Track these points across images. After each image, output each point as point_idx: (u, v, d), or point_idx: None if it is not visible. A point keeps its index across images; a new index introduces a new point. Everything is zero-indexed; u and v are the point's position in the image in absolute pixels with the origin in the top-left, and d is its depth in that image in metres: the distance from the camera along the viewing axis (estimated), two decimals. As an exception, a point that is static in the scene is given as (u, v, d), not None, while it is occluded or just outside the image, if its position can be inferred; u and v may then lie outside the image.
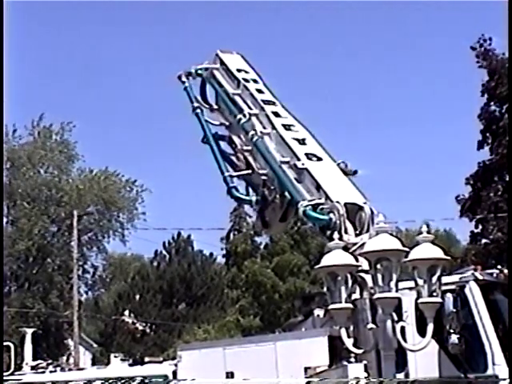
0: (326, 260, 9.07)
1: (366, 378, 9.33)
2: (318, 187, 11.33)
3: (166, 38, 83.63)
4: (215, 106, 14.34)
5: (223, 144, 14.01)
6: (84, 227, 43.81)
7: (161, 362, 15.50)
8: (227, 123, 13.86)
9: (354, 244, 9.93)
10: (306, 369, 11.36)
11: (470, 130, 22.60)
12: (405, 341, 9.08)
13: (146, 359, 16.04)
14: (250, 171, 13.07)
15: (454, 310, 11.81)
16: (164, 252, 56.26)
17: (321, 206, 11.09)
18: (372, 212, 10.58)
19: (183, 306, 53.11)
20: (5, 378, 14.65)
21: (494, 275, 13.39)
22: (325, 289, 9.24)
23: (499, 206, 20.35)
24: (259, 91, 13.70)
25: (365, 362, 9.42)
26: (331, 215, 10.72)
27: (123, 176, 45.62)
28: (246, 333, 36.41)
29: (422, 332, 9.26)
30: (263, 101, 13.35)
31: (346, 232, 10.36)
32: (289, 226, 41.81)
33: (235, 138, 13.60)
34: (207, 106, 14.48)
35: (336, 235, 9.90)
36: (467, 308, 12.22)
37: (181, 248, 55.62)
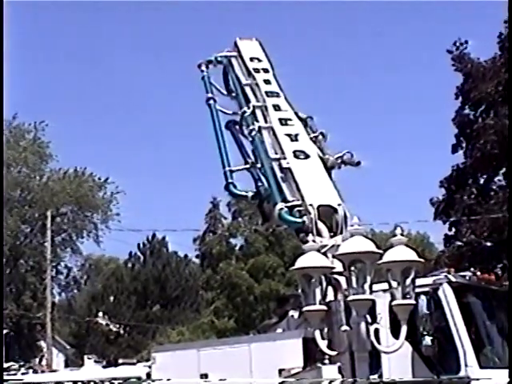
0: (301, 262, 9.08)
1: (339, 379, 9.35)
2: (298, 188, 11.34)
3: (147, 29, 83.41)
4: (234, 94, 14.24)
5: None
6: (57, 228, 43.59)
7: (135, 364, 15.46)
8: (239, 113, 13.78)
9: (329, 246, 9.95)
10: (280, 370, 11.36)
11: (445, 132, 22.73)
12: (379, 343, 9.10)
13: (120, 361, 15.99)
14: (247, 166, 13.01)
15: (428, 312, 11.89)
16: (138, 253, 56.12)
17: (296, 208, 11.10)
18: (346, 214, 10.61)
19: (157, 308, 52.98)
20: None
21: (468, 278, 13.49)
22: (299, 290, 9.24)
23: (473, 208, 20.47)
24: (266, 82, 13.66)
25: (339, 363, 9.43)
26: (305, 218, 10.73)
27: (96, 175, 45.48)
28: (220, 334, 36.41)
29: (395, 334, 9.29)
30: (267, 92, 13.33)
31: (319, 234, 10.37)
32: (263, 228, 42.13)
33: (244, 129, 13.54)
34: (227, 93, 14.38)
35: (310, 237, 9.92)
36: (440, 310, 12.30)
37: (155, 249, 55.49)
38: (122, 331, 53.03)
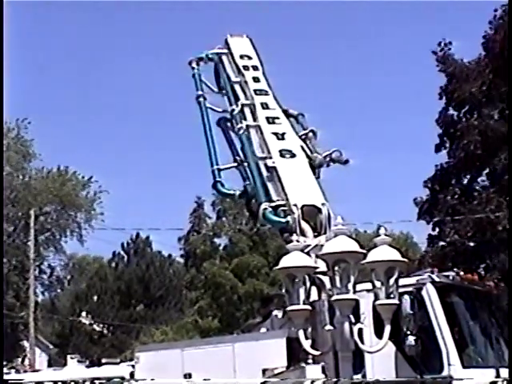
0: (285, 261, 9.08)
1: (322, 379, 9.36)
2: (283, 188, 11.34)
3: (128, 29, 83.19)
4: (224, 92, 14.20)
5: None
6: (41, 227, 43.43)
7: (118, 364, 15.43)
8: (229, 110, 13.74)
9: (312, 246, 9.96)
10: (263, 370, 11.35)
11: (429, 132, 22.77)
12: (362, 342, 9.11)
13: (103, 360, 15.96)
14: (235, 164, 12.98)
15: (411, 312, 11.91)
16: (122, 253, 55.99)
17: (281, 208, 11.10)
18: (330, 214, 10.62)
19: (141, 307, 52.86)
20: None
21: (451, 277, 13.53)
22: (283, 290, 9.24)
23: (456, 208, 20.53)
24: (255, 79, 13.64)
25: (322, 363, 9.45)
26: (289, 218, 10.74)
27: (79, 174, 45.33)
28: (204, 334, 36.36)
29: (379, 334, 9.31)
30: (255, 90, 13.30)
31: (302, 234, 10.37)
32: (248, 228, 42.13)
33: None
34: (219, 90, 14.36)
35: (294, 237, 9.93)
36: (424, 310, 12.33)
37: (139, 249, 55.39)
38: (105, 331, 52.92)
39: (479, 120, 20.94)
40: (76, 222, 45.45)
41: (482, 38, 21.66)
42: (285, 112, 13.31)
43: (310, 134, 12.92)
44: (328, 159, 12.36)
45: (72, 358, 19.90)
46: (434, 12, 73.77)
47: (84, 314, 53.26)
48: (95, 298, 53.36)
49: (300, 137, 12.78)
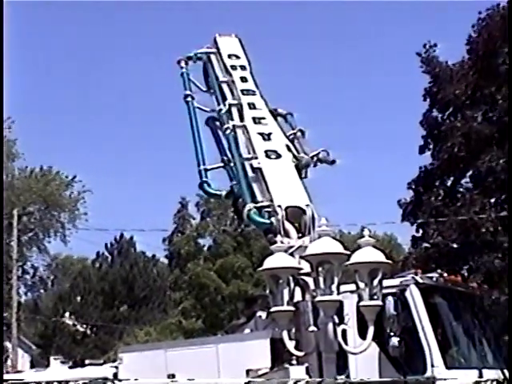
0: (269, 262, 9.08)
1: (306, 379, 9.36)
2: (267, 189, 11.33)
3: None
4: (213, 91, 14.17)
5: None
6: (24, 227, 43.27)
7: (101, 365, 15.35)
8: (217, 110, 13.71)
9: (296, 247, 9.96)
10: (247, 371, 11.35)
11: (414, 134, 22.80)
12: (346, 343, 9.12)
13: (87, 361, 15.86)
14: (222, 164, 12.96)
15: (395, 313, 11.95)
16: (106, 253, 55.83)
17: (265, 209, 11.10)
18: (314, 215, 10.62)
19: (125, 308, 52.73)
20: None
21: (434, 279, 13.58)
22: (267, 291, 9.24)
23: (440, 210, 20.60)
24: (243, 79, 13.63)
25: (306, 364, 9.45)
26: (273, 219, 10.73)
27: (63, 174, 45.18)
28: (188, 335, 36.32)
29: (362, 335, 9.32)
30: (242, 90, 13.29)
31: (286, 235, 10.37)
32: (232, 228, 42.12)
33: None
34: (208, 89, 14.31)
35: (278, 238, 9.93)
36: (407, 311, 12.37)
37: (123, 249, 55.25)
38: (88, 331, 52.72)
39: (463, 122, 21.03)
40: (59, 222, 45.34)
41: (465, 40, 21.78)
42: (273, 111, 13.30)
43: (299, 134, 12.93)
44: (315, 159, 12.38)
45: (55, 359, 19.80)
46: (419, 13, 73.99)
47: (67, 314, 53.06)
48: (78, 298, 53.17)
49: (288, 136, 12.78)
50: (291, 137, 12.86)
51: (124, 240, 55.22)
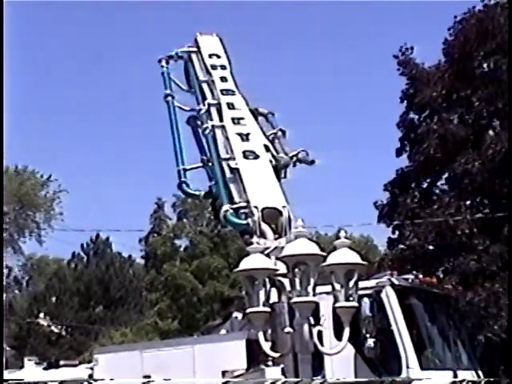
0: (245, 263, 9.07)
1: (281, 380, 9.36)
2: (244, 190, 11.32)
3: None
4: (193, 90, 14.13)
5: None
6: (-2, 227, 42.93)
7: (76, 366, 15.29)
8: (197, 109, 13.65)
9: (271, 248, 9.96)
10: (223, 372, 11.35)
11: (391, 136, 22.89)
12: (322, 344, 9.13)
13: (62, 362, 15.79)
14: (201, 164, 12.91)
15: (371, 315, 12.00)
16: (82, 253, 55.56)
17: (242, 210, 11.09)
18: (290, 216, 10.62)
19: (100, 309, 52.50)
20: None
21: (410, 280, 13.65)
22: (243, 292, 9.23)
23: (415, 212, 20.69)
24: (223, 79, 13.59)
25: (282, 365, 9.45)
26: (249, 220, 10.72)
27: (38, 173, 44.92)
28: (164, 336, 36.22)
29: (338, 336, 9.34)
30: (222, 90, 13.26)
31: (263, 236, 10.37)
32: (208, 229, 42.07)
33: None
34: (189, 88, 14.27)
35: (254, 239, 9.93)
36: (383, 312, 12.43)
37: (99, 250, 54.99)
38: (63, 332, 52.45)
39: (439, 124, 21.14)
40: (35, 222, 45.10)
41: (442, 43, 21.92)
42: (254, 110, 13.28)
43: (279, 133, 12.93)
44: (294, 159, 12.38)
45: (29, 360, 19.60)
46: (395, 16, 74.35)
47: (42, 315, 52.74)
48: (54, 299, 52.88)
49: (268, 136, 12.76)
50: (272, 136, 12.85)
51: (100, 240, 54.99)
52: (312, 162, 12.52)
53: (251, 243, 9.68)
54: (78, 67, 76.04)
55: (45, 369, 15.52)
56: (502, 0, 21.26)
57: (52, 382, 13.83)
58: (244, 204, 11.08)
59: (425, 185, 22.23)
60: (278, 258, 9.31)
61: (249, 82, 14.45)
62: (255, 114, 13.28)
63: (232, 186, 11.57)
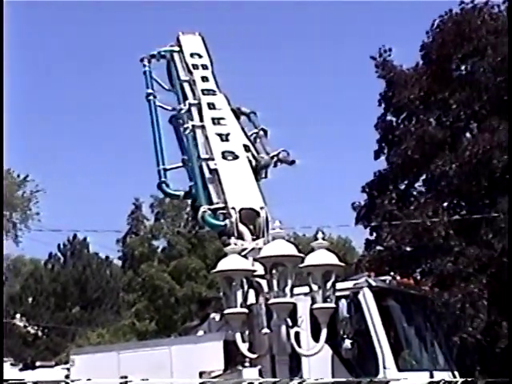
0: (222, 264, 9.06)
1: (260, 380, 9.37)
2: (222, 190, 11.30)
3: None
4: (175, 89, 14.08)
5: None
6: (-26, 227, 42.62)
7: (53, 367, 15.21)
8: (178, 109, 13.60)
9: (249, 249, 9.96)
10: (200, 373, 11.34)
11: (370, 137, 22.90)
12: (299, 346, 9.15)
13: (38, 363, 15.70)
14: (180, 164, 12.86)
15: (348, 316, 12.04)
16: (59, 254, 55.30)
17: (220, 211, 11.07)
18: (268, 217, 10.62)
19: (77, 310, 52.28)
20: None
21: (387, 282, 13.72)
22: (221, 293, 9.23)
23: (393, 214, 20.74)
24: (204, 79, 13.55)
25: (259, 366, 9.46)
26: (227, 221, 10.71)
27: (14, 172, 44.61)
28: (141, 337, 36.15)
29: (316, 337, 9.36)
30: (203, 90, 13.22)
31: (240, 238, 10.36)
32: (186, 230, 42.00)
33: None
34: (172, 88, 14.22)
35: (232, 240, 9.92)
36: (360, 314, 12.47)
37: (76, 250, 54.77)
38: (40, 333, 52.17)
39: (417, 126, 21.22)
40: (11, 222, 44.77)
41: (420, 46, 22.00)
42: (237, 110, 13.26)
43: (261, 133, 12.91)
44: (275, 159, 12.37)
45: (5, 361, 19.49)
46: (374, 18, 74.62)
47: (18, 316, 52.43)
48: (30, 299, 52.59)
49: (250, 136, 12.74)
50: (253, 136, 12.84)
51: (77, 241, 54.75)
52: (292, 162, 12.52)
53: (229, 244, 9.68)
54: (66, 67, 75.77)
55: (21, 370, 15.42)
56: (480, 1, 21.42)
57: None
58: (222, 205, 11.07)
59: (402, 186, 22.29)
60: (255, 259, 9.31)
61: (231, 82, 14.44)
62: (237, 113, 13.27)
63: (211, 187, 11.56)
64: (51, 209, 64.92)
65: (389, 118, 22.68)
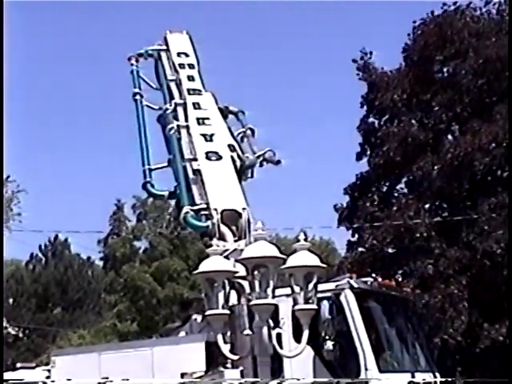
0: (204, 266, 9.04)
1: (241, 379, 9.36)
2: (205, 191, 11.27)
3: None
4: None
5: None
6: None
7: (34, 368, 15.14)
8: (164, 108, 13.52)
9: (232, 250, 9.95)
10: (182, 374, 11.31)
11: (352, 139, 22.94)
12: (281, 347, 9.14)
13: (18, 365, 15.64)
14: (165, 164, 12.78)
15: (330, 317, 12.06)
16: (40, 255, 55.08)
17: (202, 212, 11.04)
18: (249, 219, 10.61)
19: (58, 311, 52.09)
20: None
21: (369, 283, 13.75)
22: (202, 294, 9.21)
23: (375, 215, 20.80)
24: (190, 78, 13.48)
25: (241, 367, 9.44)
26: (209, 222, 10.69)
27: (-7, 172, 44.33)
28: (122, 338, 36.09)
29: (297, 338, 9.35)
30: (189, 90, 13.16)
31: (222, 239, 10.35)
32: (168, 231, 41.94)
33: None
34: (160, 87, 14.14)
35: (214, 241, 9.91)
36: (342, 315, 12.49)
37: (57, 251, 54.56)
38: (20, 334, 51.91)
39: (399, 127, 21.29)
40: (-8, 223, 44.49)
41: (402, 48, 22.09)
42: (225, 109, 13.21)
43: (248, 132, 12.88)
44: (261, 159, 12.33)
45: (-15, 363, 19.42)
46: (356, 20, 74.71)
47: (-1, 317, 52.19)
48: (11, 300, 52.32)
49: (237, 135, 12.70)
50: (241, 135, 12.80)
51: (58, 241, 54.54)
52: (278, 162, 12.49)
53: (211, 245, 9.66)
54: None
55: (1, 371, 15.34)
56: (462, 3, 21.54)
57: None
58: (204, 206, 11.04)
59: (384, 188, 22.36)
60: (237, 261, 9.30)
61: (218, 81, 14.37)
62: (225, 112, 13.21)
63: (194, 188, 11.51)
64: (33, 209, 64.70)
65: (371, 119, 22.75)
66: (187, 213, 11.11)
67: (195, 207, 11.14)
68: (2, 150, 15.95)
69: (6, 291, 53.07)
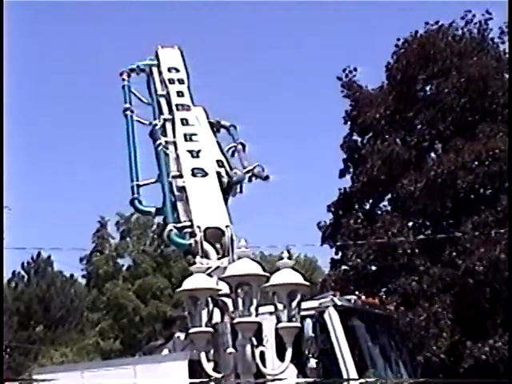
0: (187, 283, 9.00)
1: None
2: (189, 209, 11.22)
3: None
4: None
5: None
6: None
7: (15, 386, 15.01)
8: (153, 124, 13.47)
9: (215, 268, 9.92)
10: (165, 393, 11.26)
11: (333, 157, 23.02)
12: (264, 365, 9.09)
13: (-1, 383, 15.46)
14: (153, 180, 12.72)
15: (313, 335, 12.03)
16: (22, 272, 54.76)
17: (185, 230, 11.00)
18: (233, 236, 10.57)
19: (41, 328, 51.76)
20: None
21: (352, 301, 13.74)
22: (186, 312, 9.17)
23: (358, 233, 20.82)
24: (179, 94, 13.46)
25: (224, 386, 9.40)
26: (192, 240, 10.65)
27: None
28: (105, 356, 35.89)
29: (281, 356, 9.32)
30: (177, 105, 13.14)
31: (205, 256, 10.30)
32: (152, 249, 41.84)
33: None
34: (149, 102, 14.09)
35: (197, 259, 9.87)
36: (326, 333, 12.49)
37: (40, 268, 54.27)
38: (2, 352, 51.56)
39: (382, 145, 21.36)
40: (-26, 240, 44.29)
41: (385, 66, 22.21)
42: (216, 123, 13.19)
43: (239, 147, 12.86)
44: (250, 174, 12.29)
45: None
46: (343, 37, 75.08)
47: (-20, 335, 51.79)
48: (-8, 318, 52.01)
49: (227, 150, 12.66)
50: (232, 150, 12.78)
51: (41, 259, 54.26)
52: (266, 178, 12.44)
53: (194, 263, 9.62)
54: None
55: (-18, 390, 15.18)
56: (444, 23, 21.69)
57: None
58: (188, 223, 10.99)
59: (368, 206, 22.41)
60: (220, 278, 9.27)
61: (209, 95, 14.31)
62: (216, 126, 13.19)
63: (179, 205, 11.46)
64: (15, 227, 64.29)
65: (354, 137, 22.83)
66: (171, 230, 11.06)
67: (179, 225, 11.10)
68: (1, 154, 15.74)
69: (-13, 309, 52.79)
